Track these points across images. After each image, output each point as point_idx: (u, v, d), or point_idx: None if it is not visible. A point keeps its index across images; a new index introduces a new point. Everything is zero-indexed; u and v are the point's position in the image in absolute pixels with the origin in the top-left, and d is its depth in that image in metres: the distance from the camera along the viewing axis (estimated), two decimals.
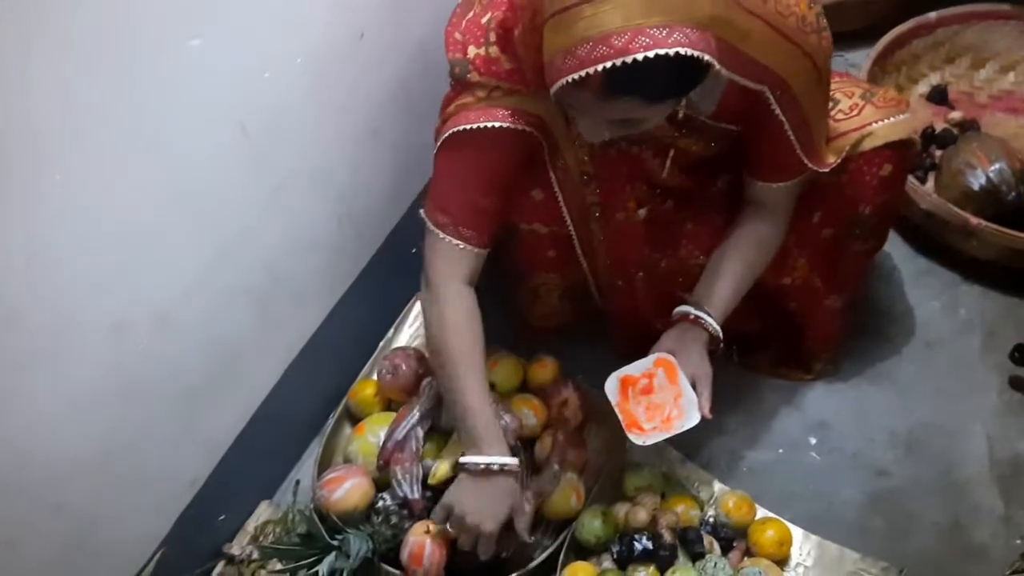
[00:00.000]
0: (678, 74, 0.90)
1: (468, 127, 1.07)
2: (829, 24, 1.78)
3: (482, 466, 1.11)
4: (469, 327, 1.17)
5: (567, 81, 0.88)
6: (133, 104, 0.85)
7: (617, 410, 1.18)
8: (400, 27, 1.23)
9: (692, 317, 1.20)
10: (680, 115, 1.11)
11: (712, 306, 1.21)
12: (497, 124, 1.06)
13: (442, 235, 1.14)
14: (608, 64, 0.85)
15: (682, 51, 0.85)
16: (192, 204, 0.98)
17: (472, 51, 1.07)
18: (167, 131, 0.90)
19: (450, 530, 1.14)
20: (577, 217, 1.21)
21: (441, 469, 1.22)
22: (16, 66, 0.73)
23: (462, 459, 1.13)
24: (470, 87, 1.08)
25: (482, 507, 1.12)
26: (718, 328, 1.20)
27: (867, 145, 1.19)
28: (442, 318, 1.15)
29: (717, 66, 0.90)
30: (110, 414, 0.98)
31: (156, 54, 0.85)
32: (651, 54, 0.84)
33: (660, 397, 1.17)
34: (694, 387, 1.17)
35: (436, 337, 1.16)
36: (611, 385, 1.18)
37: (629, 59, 0.85)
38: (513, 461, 1.13)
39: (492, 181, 1.14)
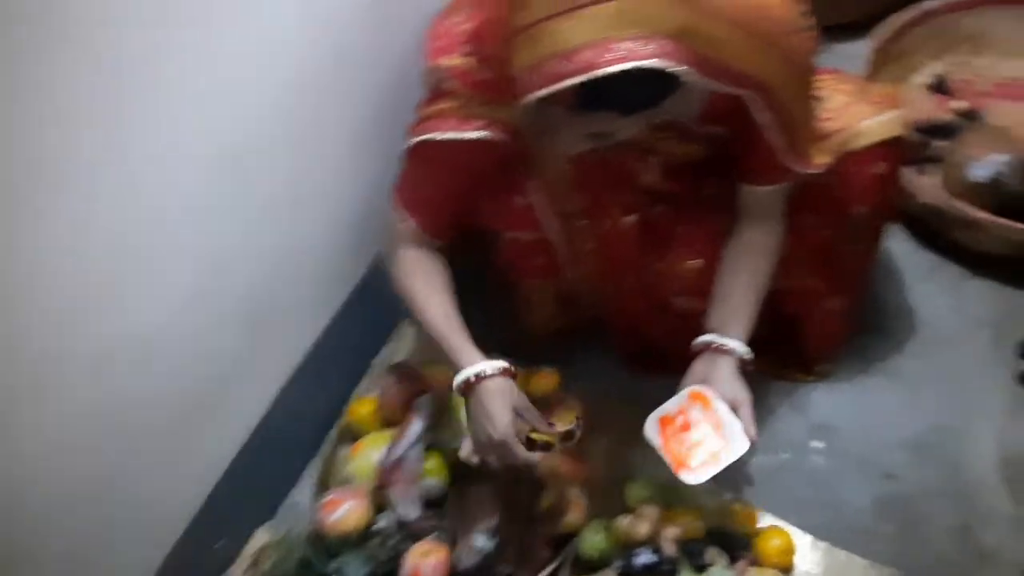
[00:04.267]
0: (651, 86, 0.89)
1: (441, 137, 1.06)
2: (827, 17, 1.75)
3: (460, 384, 1.10)
4: (424, 269, 1.18)
5: (537, 97, 0.87)
6: (112, 127, 0.84)
7: (661, 453, 1.14)
8: (382, 40, 1.21)
9: (716, 346, 1.17)
10: (661, 119, 1.09)
11: (733, 328, 1.17)
12: (471, 135, 1.06)
13: (400, 215, 1.17)
14: (577, 79, 0.83)
15: (652, 63, 0.83)
16: (174, 233, 0.97)
17: (450, 59, 1.06)
18: (147, 161, 0.89)
19: (486, 459, 1.12)
20: (560, 225, 1.20)
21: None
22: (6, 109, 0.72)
23: (459, 378, 1.11)
24: (447, 94, 1.07)
25: (482, 419, 1.09)
26: (746, 350, 1.17)
27: (859, 143, 1.16)
28: (403, 273, 1.19)
29: (689, 76, 0.88)
30: (97, 448, 0.97)
31: (133, 87, 0.84)
32: (620, 68, 0.82)
33: (700, 432, 1.13)
34: (735, 413, 1.14)
35: (402, 292, 1.19)
36: (651, 429, 1.15)
37: (600, 73, 0.83)
38: (488, 365, 1.10)
39: (457, 191, 1.16)
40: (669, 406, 1.16)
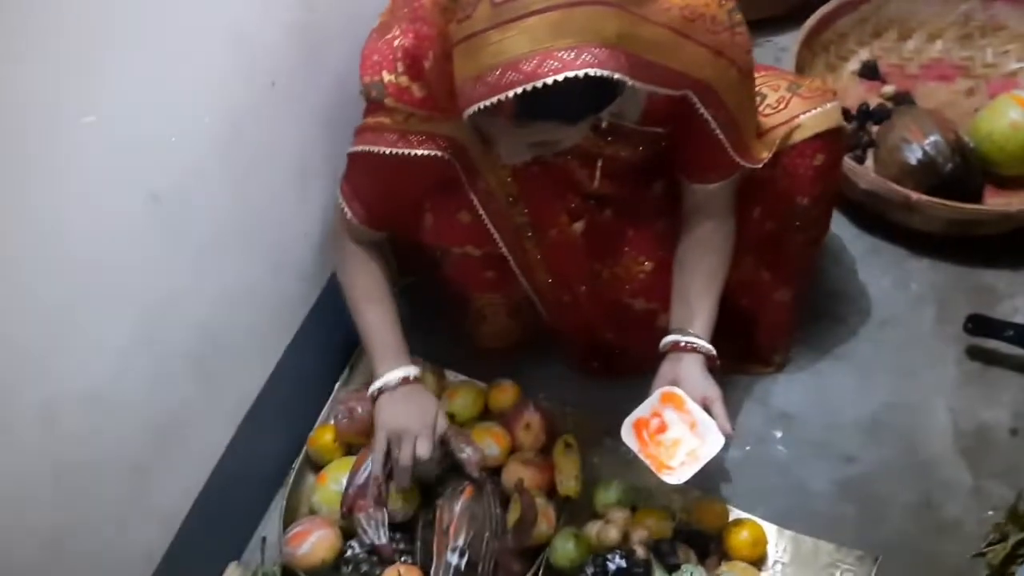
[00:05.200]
0: (591, 94, 0.90)
1: (383, 151, 1.08)
2: (754, 11, 1.77)
3: (379, 388, 1.21)
4: (365, 267, 1.25)
5: (479, 108, 0.87)
6: (32, 190, 0.82)
7: (641, 456, 1.15)
8: (314, 68, 1.20)
9: (683, 344, 1.18)
10: (604, 124, 1.10)
11: (696, 326, 1.19)
12: (412, 152, 1.07)
13: (342, 202, 1.21)
14: (518, 90, 0.84)
15: (592, 72, 0.84)
16: (109, 279, 0.95)
17: (386, 76, 1.07)
18: (72, 213, 0.87)
19: (394, 451, 1.19)
20: (509, 238, 1.20)
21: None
22: None
23: (370, 388, 1.23)
24: (386, 110, 1.08)
25: (401, 413, 1.19)
26: (710, 347, 1.18)
27: (797, 137, 1.18)
28: (342, 269, 1.27)
29: (630, 82, 0.89)
30: (50, 504, 0.94)
31: (47, 138, 0.82)
32: (560, 77, 0.83)
33: (676, 432, 1.15)
34: (707, 410, 1.15)
35: (343, 287, 1.27)
36: (627, 433, 1.16)
37: (539, 84, 0.84)
38: (407, 371, 1.22)
39: (396, 197, 1.19)
40: (643, 409, 1.16)
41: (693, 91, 1.04)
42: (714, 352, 1.19)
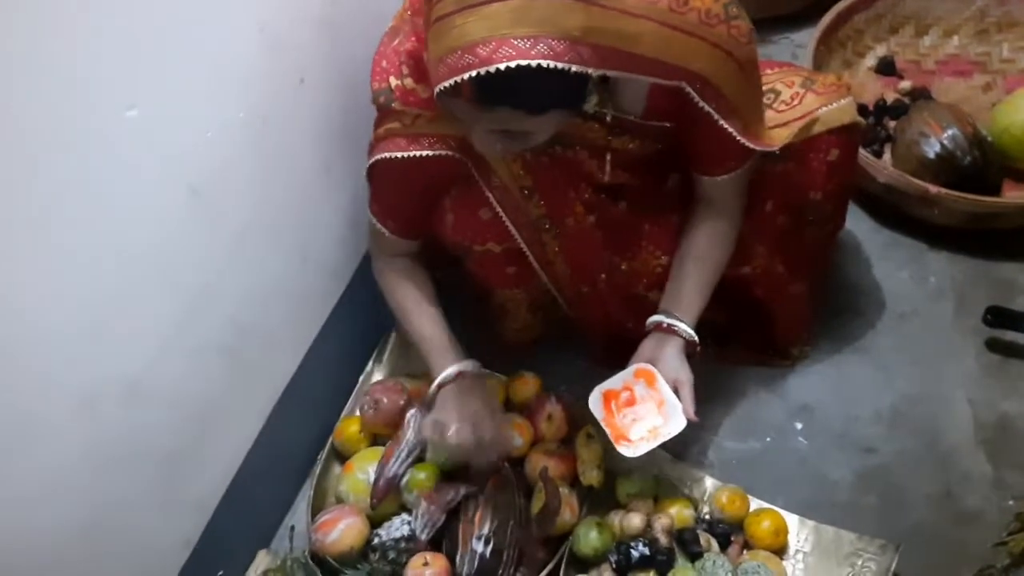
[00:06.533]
0: (551, 85, 0.90)
1: (397, 155, 1.11)
2: (770, 8, 1.79)
3: (437, 384, 1.21)
4: (407, 279, 1.28)
5: (441, 89, 0.90)
6: (76, 182, 0.85)
7: (603, 425, 1.18)
8: (340, 65, 1.23)
9: (665, 326, 1.21)
10: (608, 118, 1.12)
11: (682, 311, 1.22)
12: (424, 153, 1.10)
13: (375, 221, 1.24)
14: (473, 73, 0.86)
15: (545, 63, 0.86)
16: (149, 271, 0.97)
17: (393, 81, 1.10)
18: (114, 204, 0.90)
19: (452, 444, 1.18)
20: (527, 232, 1.22)
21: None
22: None
23: (429, 390, 1.23)
24: (396, 114, 1.11)
25: (465, 408, 1.20)
26: (692, 333, 1.21)
27: (812, 132, 1.19)
28: (388, 283, 1.29)
29: (594, 75, 0.90)
30: (89, 491, 0.97)
31: (92, 130, 0.84)
32: (512, 64, 0.85)
33: (643, 407, 1.18)
34: (676, 393, 1.18)
35: (389, 301, 1.29)
36: (595, 401, 1.19)
37: (492, 69, 0.86)
38: (466, 365, 1.22)
39: (420, 198, 1.21)
40: (615, 381, 1.20)
41: (688, 83, 1.01)
42: (695, 338, 1.21)
